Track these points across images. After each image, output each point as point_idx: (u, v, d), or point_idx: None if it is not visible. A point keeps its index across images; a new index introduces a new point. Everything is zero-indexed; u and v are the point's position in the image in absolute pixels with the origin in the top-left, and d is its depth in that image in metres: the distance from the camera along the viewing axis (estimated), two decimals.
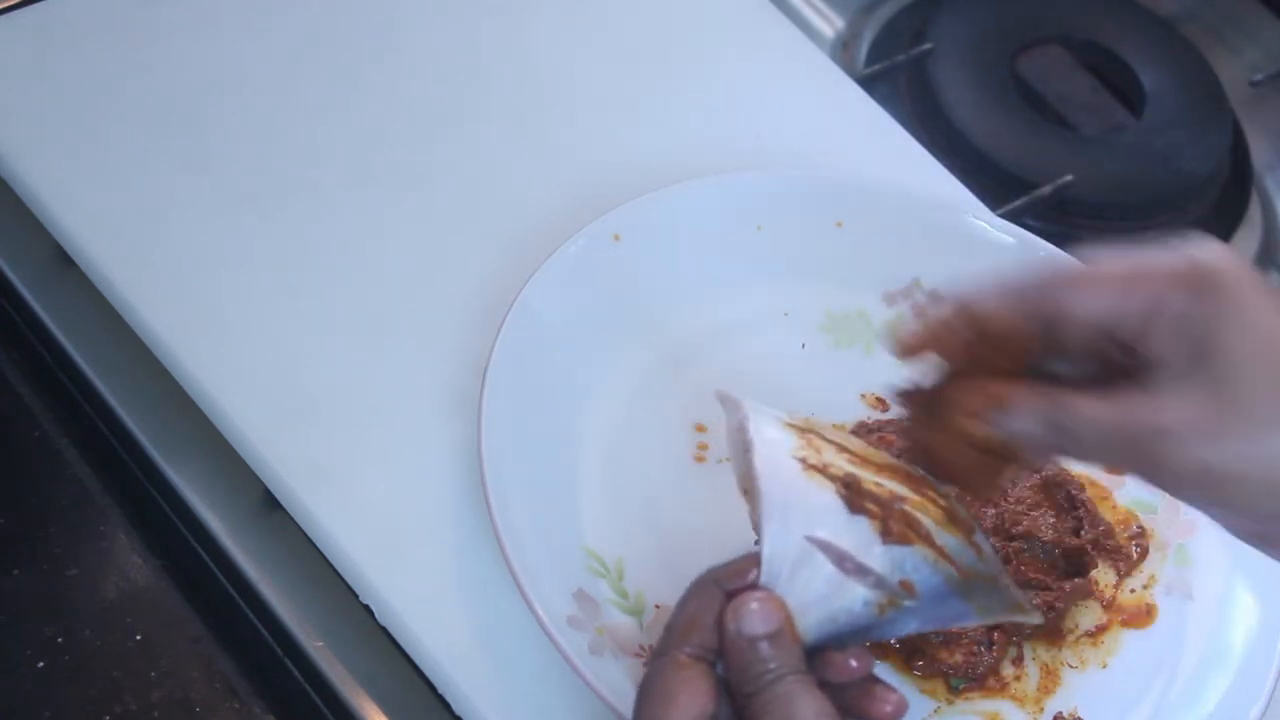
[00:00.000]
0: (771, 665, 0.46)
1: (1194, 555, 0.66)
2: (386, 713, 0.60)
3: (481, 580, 0.60)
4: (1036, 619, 0.55)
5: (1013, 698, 0.61)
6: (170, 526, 0.64)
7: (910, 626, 0.50)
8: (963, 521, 0.52)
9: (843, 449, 0.52)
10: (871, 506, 0.50)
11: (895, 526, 0.49)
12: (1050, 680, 0.62)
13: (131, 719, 0.58)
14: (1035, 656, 0.62)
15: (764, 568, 0.48)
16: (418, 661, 0.59)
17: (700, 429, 0.66)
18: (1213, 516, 0.47)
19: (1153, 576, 0.66)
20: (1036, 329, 0.48)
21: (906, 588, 0.49)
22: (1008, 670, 0.62)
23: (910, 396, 0.52)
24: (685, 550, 0.63)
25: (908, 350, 0.51)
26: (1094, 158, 0.94)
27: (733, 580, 0.49)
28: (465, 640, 0.59)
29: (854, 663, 0.49)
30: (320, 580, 0.61)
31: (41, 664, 0.58)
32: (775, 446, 0.52)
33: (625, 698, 0.55)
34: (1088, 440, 0.47)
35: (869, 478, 0.51)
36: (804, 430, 0.53)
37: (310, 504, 0.61)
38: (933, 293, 0.71)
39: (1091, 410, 0.46)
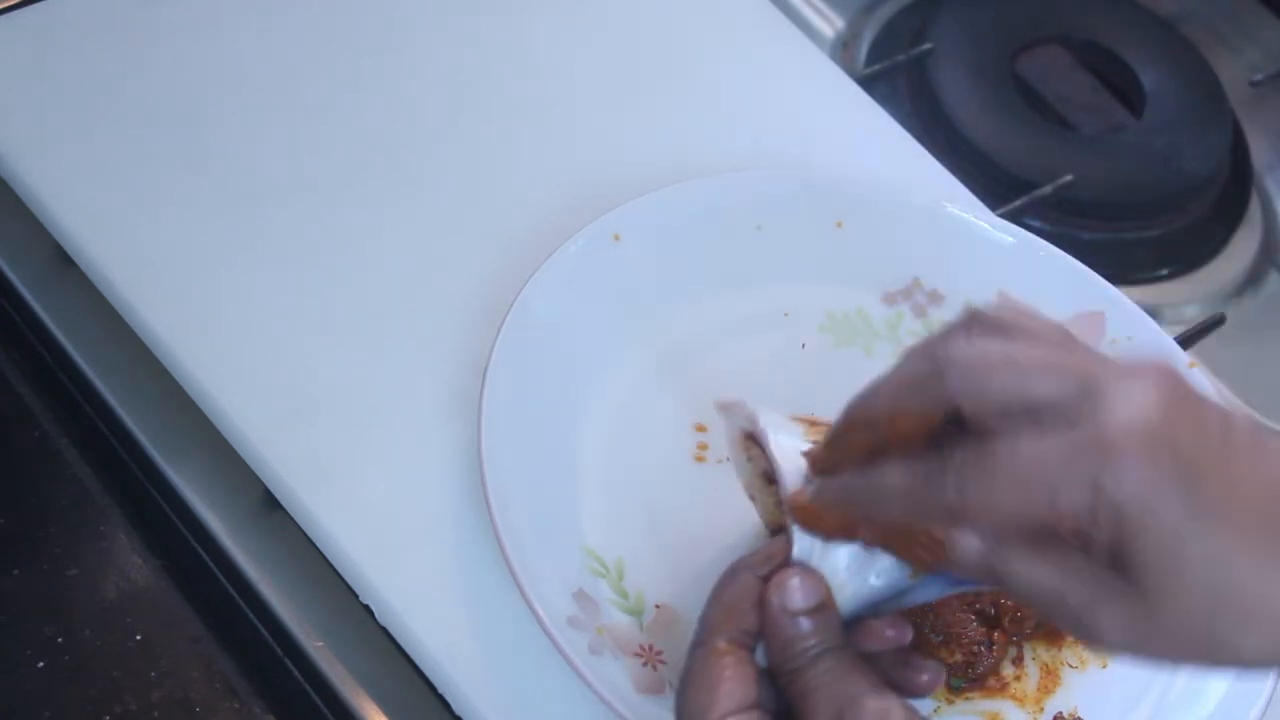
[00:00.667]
0: (814, 641, 0.46)
1: None
2: (386, 713, 0.60)
3: (481, 580, 0.60)
4: None
5: (1013, 698, 0.61)
6: (170, 526, 0.64)
7: (939, 587, 0.50)
8: None
9: None
10: None
11: None
12: (1050, 680, 0.62)
13: (131, 719, 0.58)
14: (1035, 656, 0.62)
15: (795, 546, 0.48)
16: (418, 661, 0.59)
17: (700, 429, 0.66)
18: None
19: None
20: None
21: None
22: (1008, 670, 0.62)
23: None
24: (685, 550, 0.63)
25: (824, 467, 0.49)
26: (1094, 158, 0.94)
27: (764, 565, 0.49)
28: (465, 640, 0.59)
29: (890, 631, 0.49)
30: (320, 580, 0.61)
31: (41, 664, 0.58)
32: (788, 435, 0.52)
33: (625, 698, 0.55)
34: (1022, 594, 0.44)
35: None
36: (810, 423, 0.53)
37: (310, 504, 0.61)
38: (932, 293, 0.71)
39: (1026, 565, 0.43)
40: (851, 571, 0.48)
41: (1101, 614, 0.42)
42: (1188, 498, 0.40)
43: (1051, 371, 0.42)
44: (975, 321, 0.45)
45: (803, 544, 0.48)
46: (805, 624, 0.46)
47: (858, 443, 0.47)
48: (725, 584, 0.49)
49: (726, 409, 0.57)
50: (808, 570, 0.48)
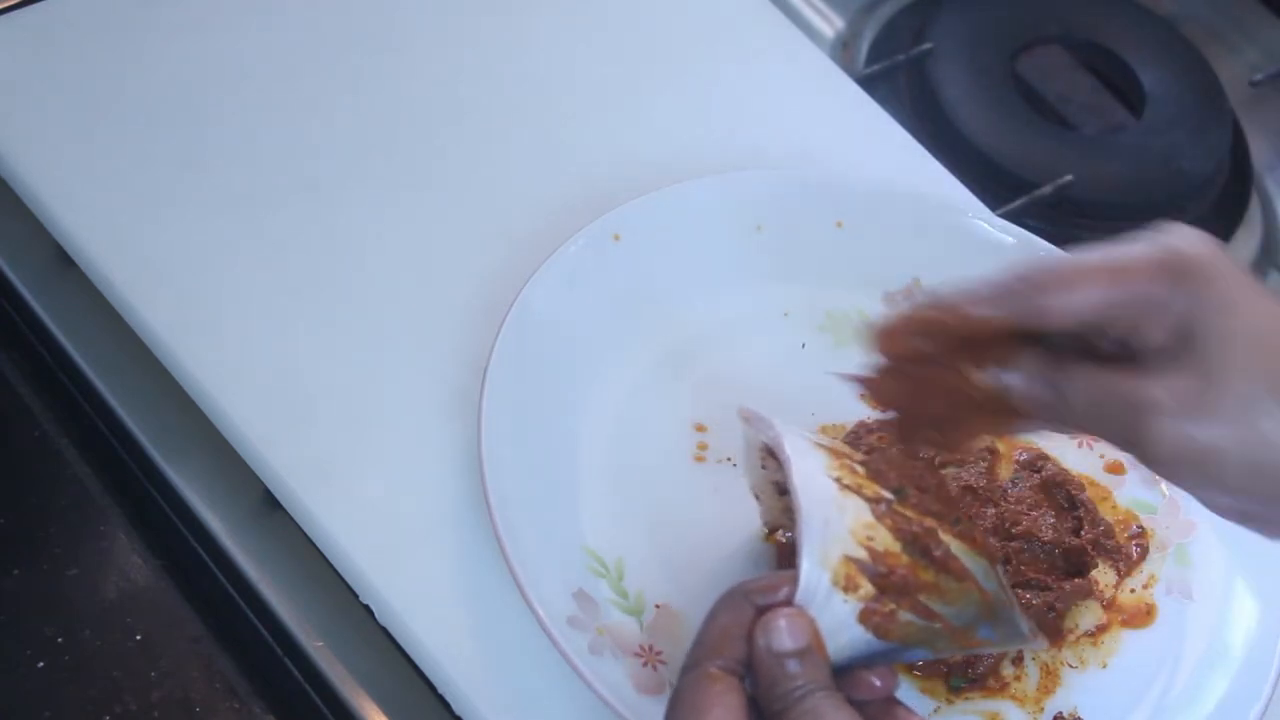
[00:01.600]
0: (799, 683, 0.46)
1: (1194, 555, 0.66)
2: (386, 713, 0.60)
3: (481, 580, 0.60)
4: (1042, 645, 0.56)
5: (1013, 698, 0.61)
6: (170, 526, 0.64)
7: (941, 650, 0.50)
8: (987, 549, 0.52)
9: (870, 471, 0.53)
10: (906, 529, 0.50)
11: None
12: (1050, 680, 0.62)
13: (131, 719, 0.58)
14: (1035, 656, 0.62)
15: (801, 587, 0.48)
16: (418, 661, 0.59)
17: (700, 429, 0.66)
18: (1197, 496, 0.48)
19: (1153, 576, 0.66)
20: (1020, 327, 0.49)
21: (937, 615, 0.49)
22: (1008, 670, 0.62)
23: (908, 330, 0.52)
24: (685, 550, 0.63)
25: (887, 340, 0.52)
26: (1094, 158, 0.94)
27: (765, 595, 0.48)
28: (465, 640, 0.59)
29: (878, 682, 0.49)
30: (320, 580, 0.61)
31: (41, 664, 0.58)
32: (811, 464, 0.51)
33: (625, 698, 0.55)
34: (1078, 404, 0.48)
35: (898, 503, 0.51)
36: (835, 452, 0.53)
37: (310, 504, 0.61)
38: (931, 293, 0.71)
39: (1086, 375, 0.48)
40: (849, 623, 0.48)
41: (1156, 393, 0.46)
42: (1244, 277, 0.47)
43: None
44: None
45: (807, 588, 0.48)
46: (791, 665, 0.46)
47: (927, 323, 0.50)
48: (722, 608, 0.49)
49: (750, 420, 0.56)
50: (798, 612, 0.48)
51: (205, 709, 0.58)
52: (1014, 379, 0.49)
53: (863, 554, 0.49)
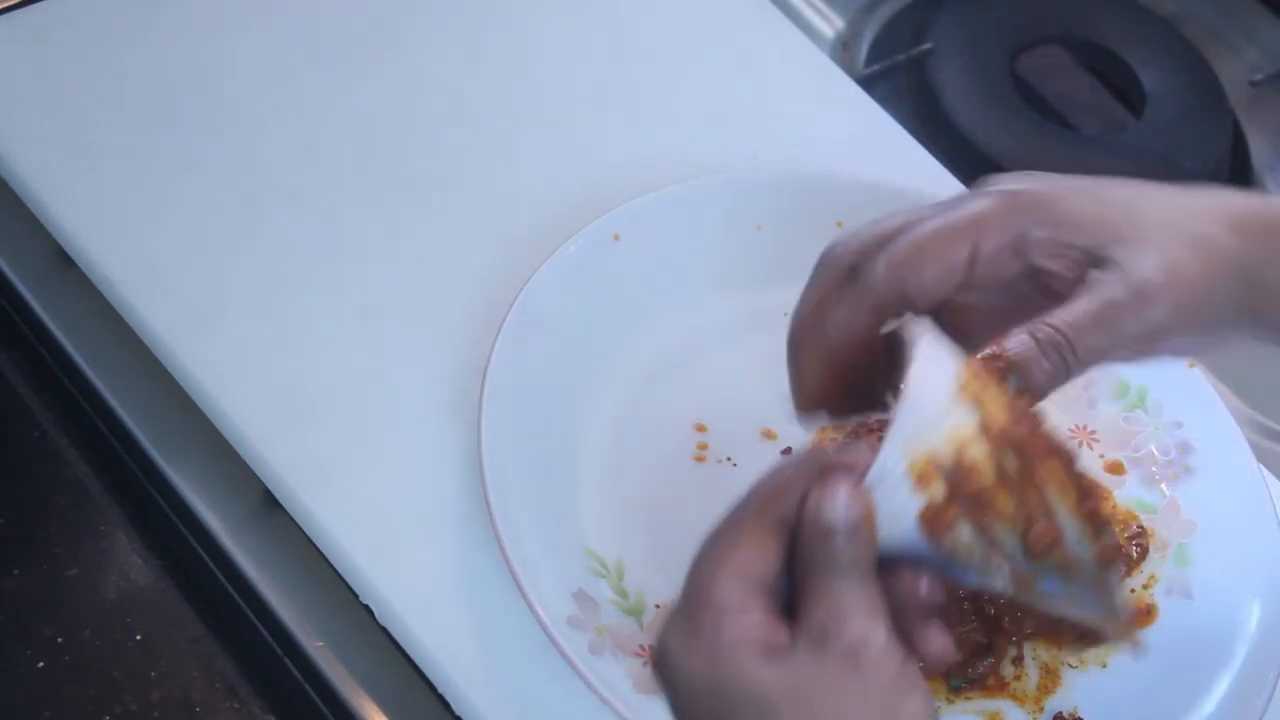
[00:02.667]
0: (839, 556, 0.44)
1: (1194, 555, 0.66)
2: (386, 713, 0.60)
3: (481, 580, 0.60)
4: (1127, 640, 0.51)
5: (1013, 698, 0.61)
6: (170, 526, 0.64)
7: (995, 583, 0.47)
8: (1097, 518, 0.50)
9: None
10: (1006, 455, 0.48)
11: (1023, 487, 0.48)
12: (1050, 680, 0.62)
13: (131, 719, 0.58)
14: (1035, 656, 0.62)
15: (874, 468, 0.46)
16: (418, 661, 0.59)
17: (700, 429, 0.66)
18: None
19: (1153, 576, 0.66)
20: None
21: (1000, 544, 0.47)
22: (1008, 670, 0.62)
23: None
24: (685, 550, 0.62)
25: (812, 403, 0.53)
26: (1094, 158, 0.94)
27: (839, 465, 0.46)
28: (465, 640, 0.59)
29: (924, 589, 0.46)
30: (320, 580, 0.61)
31: (41, 664, 0.58)
32: (941, 365, 0.49)
33: (625, 698, 0.55)
34: (1081, 349, 0.49)
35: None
36: (980, 379, 0.52)
37: (310, 504, 0.61)
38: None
39: (1070, 318, 0.49)
40: (908, 516, 0.46)
41: (1105, 294, 0.49)
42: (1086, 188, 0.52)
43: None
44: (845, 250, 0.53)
45: (882, 468, 0.46)
46: (838, 539, 0.44)
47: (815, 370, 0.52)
48: (789, 465, 0.47)
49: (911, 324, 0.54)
50: (859, 490, 0.45)
51: (205, 709, 0.58)
52: (1016, 355, 0.50)
53: (947, 458, 0.46)
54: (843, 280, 0.52)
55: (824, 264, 0.53)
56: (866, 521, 0.45)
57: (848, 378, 0.52)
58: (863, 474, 0.46)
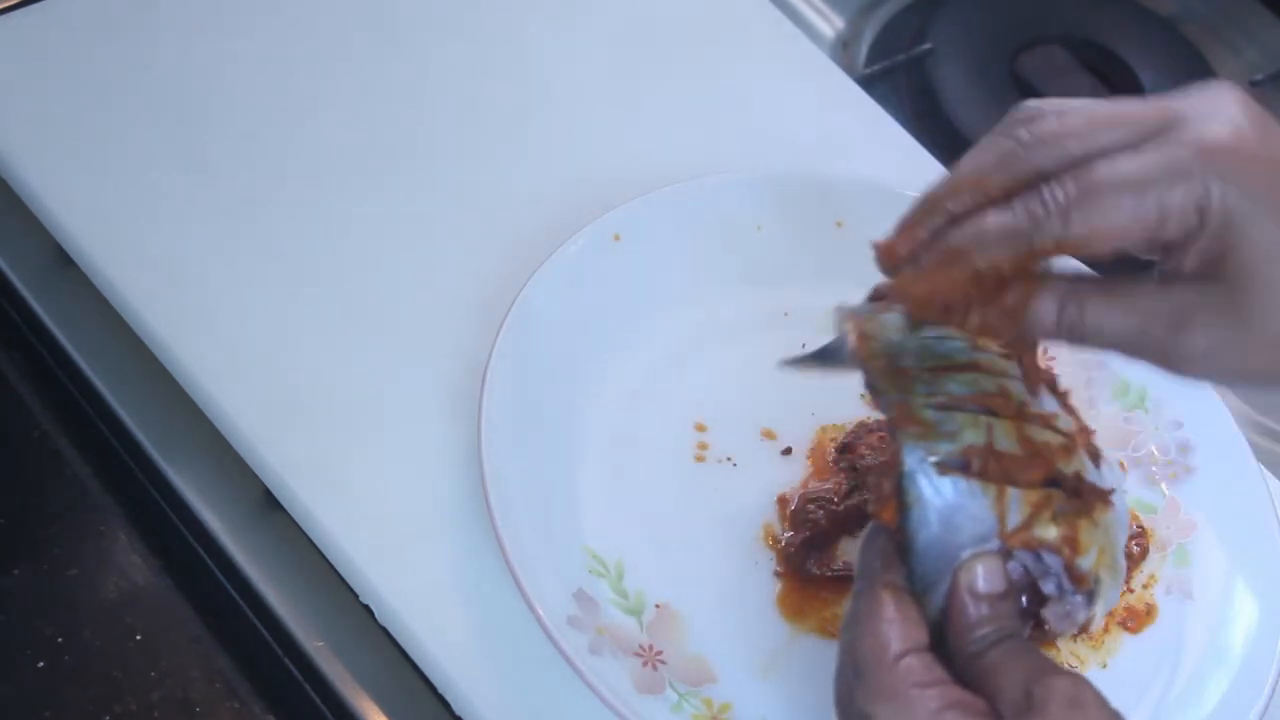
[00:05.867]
0: (993, 626, 0.47)
1: (1194, 555, 0.66)
2: (386, 713, 0.60)
3: (481, 580, 0.60)
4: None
5: None
6: (170, 526, 0.64)
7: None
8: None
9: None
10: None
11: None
12: None
13: (131, 719, 0.58)
14: None
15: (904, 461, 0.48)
16: (418, 661, 0.59)
17: (700, 429, 0.66)
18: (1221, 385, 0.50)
19: (1153, 576, 0.66)
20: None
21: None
22: None
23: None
24: (685, 550, 0.63)
25: (895, 261, 0.51)
26: None
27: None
28: (465, 640, 0.59)
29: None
30: (320, 580, 0.62)
31: (41, 664, 0.58)
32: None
33: (625, 698, 0.55)
34: (1111, 330, 0.47)
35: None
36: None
37: (310, 504, 0.61)
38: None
39: (1116, 301, 0.46)
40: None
41: (1191, 327, 0.45)
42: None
43: (1130, 111, 0.46)
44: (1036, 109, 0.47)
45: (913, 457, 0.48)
46: (988, 608, 0.47)
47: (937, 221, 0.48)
48: (875, 535, 0.49)
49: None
50: (992, 557, 0.48)
51: (205, 709, 0.58)
52: (1041, 310, 0.47)
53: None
54: (1018, 185, 0.46)
55: (1007, 154, 0.47)
56: (1008, 584, 0.48)
57: (956, 284, 0.48)
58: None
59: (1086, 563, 0.49)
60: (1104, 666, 0.63)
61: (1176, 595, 0.65)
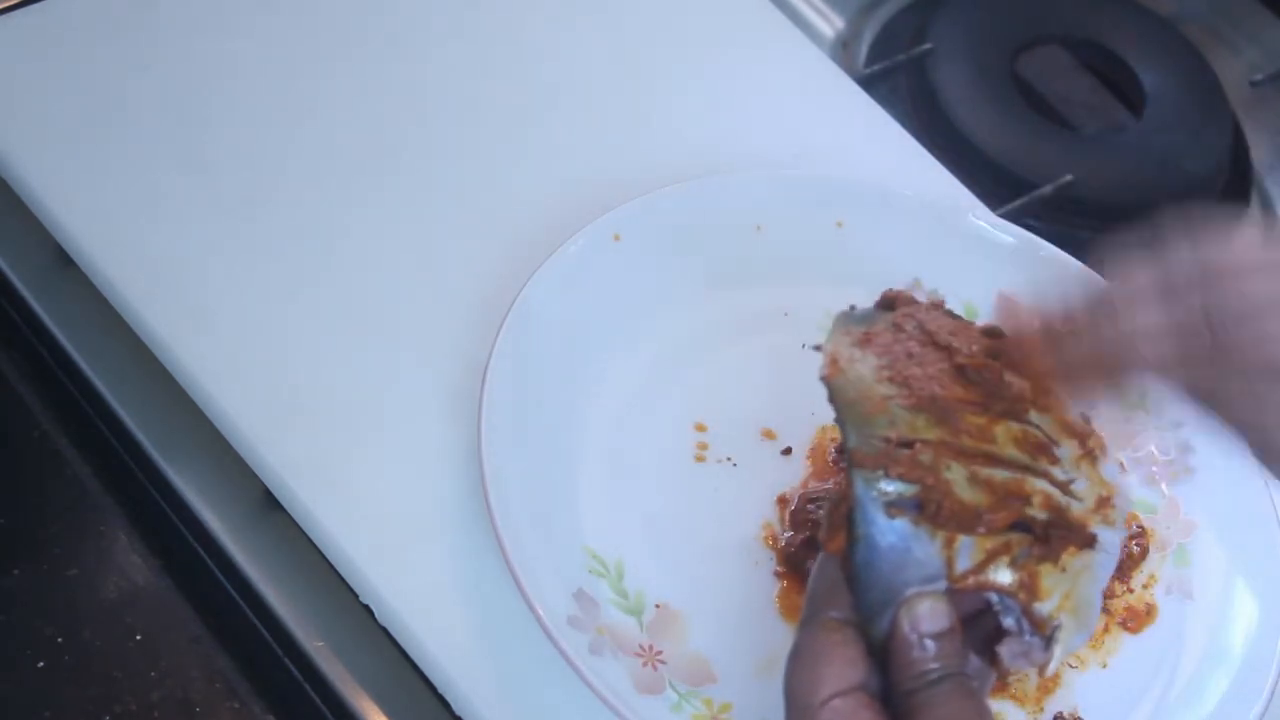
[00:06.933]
0: (935, 664, 0.46)
1: (1194, 555, 0.66)
2: (386, 713, 0.60)
3: (481, 580, 0.60)
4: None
5: (1013, 698, 0.61)
6: (170, 526, 0.64)
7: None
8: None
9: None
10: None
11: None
12: (1050, 680, 0.62)
13: (131, 719, 0.58)
14: None
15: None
16: (418, 661, 0.59)
17: (700, 429, 0.66)
18: None
19: (1153, 576, 0.66)
20: None
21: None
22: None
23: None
24: (685, 550, 0.63)
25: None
26: (1094, 158, 0.94)
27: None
28: (465, 640, 0.59)
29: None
30: (320, 580, 0.62)
31: (41, 664, 0.58)
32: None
33: (625, 698, 0.55)
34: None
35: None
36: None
37: (310, 504, 0.61)
38: (932, 293, 0.71)
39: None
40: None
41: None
42: None
43: None
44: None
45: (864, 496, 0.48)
46: (930, 646, 0.47)
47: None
48: (827, 562, 0.49)
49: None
50: (938, 596, 0.47)
51: (205, 709, 0.58)
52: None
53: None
54: (1155, 297, 0.51)
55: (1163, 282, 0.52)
56: (955, 621, 0.47)
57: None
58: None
59: (1045, 608, 0.49)
60: (1104, 666, 0.63)
61: (1176, 595, 0.65)
